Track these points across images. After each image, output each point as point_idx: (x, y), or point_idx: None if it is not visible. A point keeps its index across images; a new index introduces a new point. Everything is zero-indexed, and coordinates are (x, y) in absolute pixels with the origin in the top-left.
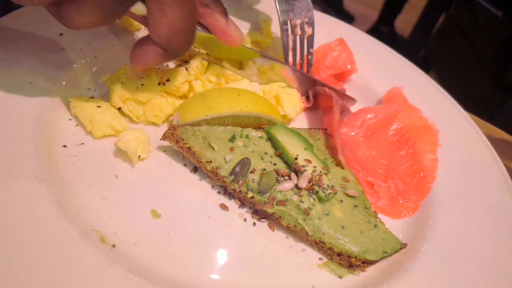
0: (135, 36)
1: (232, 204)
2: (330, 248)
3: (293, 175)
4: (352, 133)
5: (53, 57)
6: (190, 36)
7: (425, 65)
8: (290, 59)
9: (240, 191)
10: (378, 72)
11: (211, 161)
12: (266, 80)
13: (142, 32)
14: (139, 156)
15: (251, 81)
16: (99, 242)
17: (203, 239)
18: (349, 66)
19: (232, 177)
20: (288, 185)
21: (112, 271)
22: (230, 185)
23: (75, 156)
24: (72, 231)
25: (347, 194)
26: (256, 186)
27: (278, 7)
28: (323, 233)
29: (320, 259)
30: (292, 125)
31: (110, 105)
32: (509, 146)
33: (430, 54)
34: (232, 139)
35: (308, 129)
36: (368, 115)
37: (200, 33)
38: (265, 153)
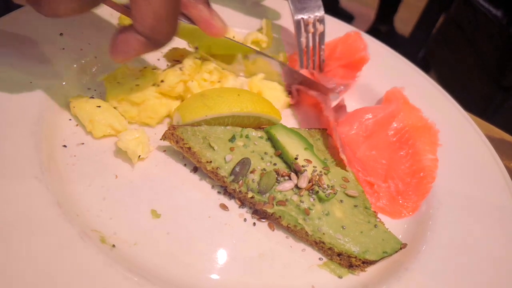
0: None
1: (232, 204)
2: (330, 248)
3: (293, 175)
4: (351, 132)
5: (53, 57)
6: (174, 24)
7: (425, 65)
8: (304, 56)
9: (240, 191)
10: (378, 72)
11: (211, 161)
12: (250, 74)
13: None
14: (139, 156)
15: (238, 75)
16: (99, 242)
17: (203, 239)
18: (362, 54)
19: (232, 177)
20: (288, 185)
21: (112, 271)
22: (230, 185)
23: (75, 156)
24: (72, 231)
25: (347, 194)
26: (256, 186)
27: (291, 5)
28: (323, 233)
29: (320, 259)
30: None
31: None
32: (509, 146)
33: (430, 54)
34: (232, 139)
35: (308, 129)
36: (367, 115)
37: (190, 30)
38: (265, 153)
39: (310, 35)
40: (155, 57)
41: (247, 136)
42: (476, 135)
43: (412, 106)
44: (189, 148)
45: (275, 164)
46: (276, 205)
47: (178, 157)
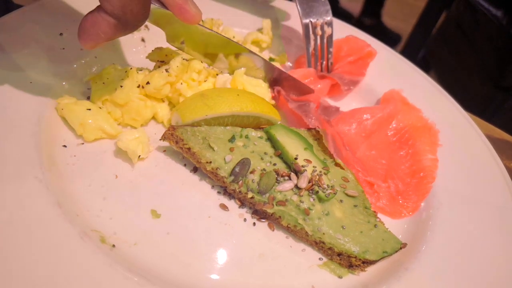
0: (135, 36)
1: (232, 204)
2: (330, 248)
3: (293, 175)
4: (351, 132)
5: (53, 57)
6: (145, 3)
7: (425, 65)
8: (312, 58)
9: (240, 192)
10: (378, 72)
11: (210, 162)
12: (234, 71)
13: (142, 32)
14: (139, 156)
15: (222, 73)
16: (99, 242)
17: (203, 239)
18: (368, 49)
19: (232, 177)
20: (288, 185)
21: (112, 271)
22: (230, 186)
23: (75, 156)
24: (72, 231)
25: (347, 194)
26: (256, 187)
27: (299, 8)
28: (323, 233)
29: (320, 259)
30: None
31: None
32: (509, 146)
33: (430, 54)
34: (232, 139)
35: (308, 129)
36: (365, 115)
37: (166, 16)
38: (265, 153)
39: (318, 37)
40: (143, 58)
41: (246, 136)
42: (476, 135)
43: (411, 106)
44: (189, 149)
45: (275, 164)
46: (276, 205)
47: (178, 157)
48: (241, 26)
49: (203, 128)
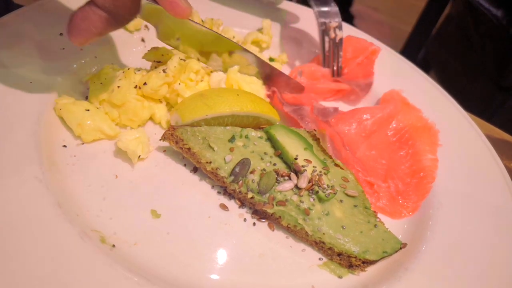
0: (135, 37)
1: (232, 204)
2: (330, 248)
3: (293, 175)
4: (351, 132)
5: (53, 57)
6: None
7: (425, 65)
8: (326, 60)
9: (240, 192)
10: (378, 72)
11: (210, 162)
12: (226, 69)
13: (142, 32)
14: (139, 156)
15: (216, 71)
16: (99, 242)
17: (203, 239)
18: (373, 47)
19: (232, 177)
20: (288, 185)
21: (112, 271)
22: (230, 186)
23: (75, 156)
24: (72, 231)
25: (347, 194)
26: (256, 187)
27: (315, 8)
28: (323, 233)
29: (320, 259)
30: None
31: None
32: (509, 146)
33: (430, 54)
34: (232, 139)
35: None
36: (365, 115)
37: (157, 11)
38: (265, 153)
39: (331, 40)
40: (139, 58)
41: (246, 137)
42: (476, 135)
43: (411, 106)
44: (189, 149)
45: (274, 164)
46: (276, 205)
47: (178, 157)
48: (241, 26)
49: (203, 128)
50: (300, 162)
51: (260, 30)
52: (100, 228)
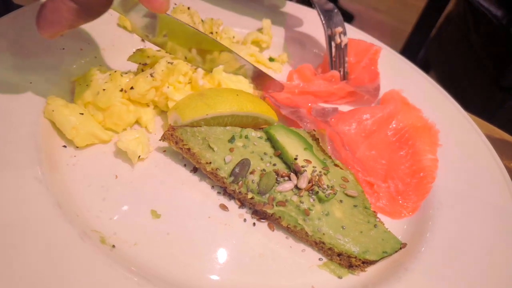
0: (135, 37)
1: (232, 204)
2: (330, 249)
3: (292, 175)
4: (351, 132)
5: (53, 57)
6: None
7: (425, 65)
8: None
9: (240, 192)
10: None
11: (210, 162)
12: (210, 68)
13: None
14: (139, 156)
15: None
16: (99, 242)
17: (203, 240)
18: (375, 47)
19: (232, 178)
20: (287, 185)
21: (112, 271)
22: (230, 186)
23: (75, 156)
24: (72, 232)
25: (346, 194)
26: (256, 187)
27: (321, 15)
28: (323, 234)
29: (320, 259)
30: None
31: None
32: (509, 146)
33: (430, 54)
34: (232, 139)
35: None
36: (365, 115)
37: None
38: (265, 153)
39: (337, 45)
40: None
41: (246, 137)
42: (476, 135)
43: (411, 106)
44: (189, 149)
45: (274, 165)
46: (276, 205)
47: (178, 158)
48: (241, 26)
49: (203, 128)
50: (300, 162)
51: (260, 30)
52: (100, 228)
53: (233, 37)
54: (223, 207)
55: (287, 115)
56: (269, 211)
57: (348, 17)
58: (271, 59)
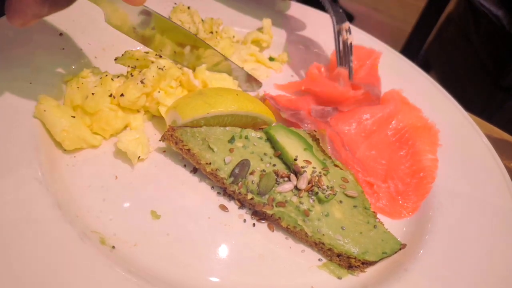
0: None
1: (231, 205)
2: (329, 249)
3: (292, 176)
4: (351, 132)
5: (53, 57)
6: None
7: (425, 65)
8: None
9: (239, 193)
10: (378, 72)
11: (210, 163)
12: (194, 66)
13: None
14: (139, 157)
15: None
16: (99, 243)
17: (203, 240)
18: (376, 52)
19: (232, 178)
20: (287, 186)
21: (112, 272)
22: (230, 187)
23: (74, 157)
24: (72, 232)
25: (346, 195)
26: (256, 188)
27: (331, 11)
28: (323, 234)
29: (319, 260)
30: None
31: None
32: (509, 146)
33: (430, 54)
34: (232, 140)
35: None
36: (364, 115)
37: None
38: (265, 154)
39: (344, 42)
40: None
41: (246, 137)
42: (476, 135)
43: (411, 106)
44: (189, 150)
45: (274, 165)
46: (276, 206)
47: (178, 158)
48: (241, 25)
49: (202, 129)
50: (300, 163)
51: (260, 29)
52: (100, 229)
53: (233, 36)
54: (223, 207)
55: (288, 118)
56: (269, 211)
57: (348, 17)
58: (271, 59)
